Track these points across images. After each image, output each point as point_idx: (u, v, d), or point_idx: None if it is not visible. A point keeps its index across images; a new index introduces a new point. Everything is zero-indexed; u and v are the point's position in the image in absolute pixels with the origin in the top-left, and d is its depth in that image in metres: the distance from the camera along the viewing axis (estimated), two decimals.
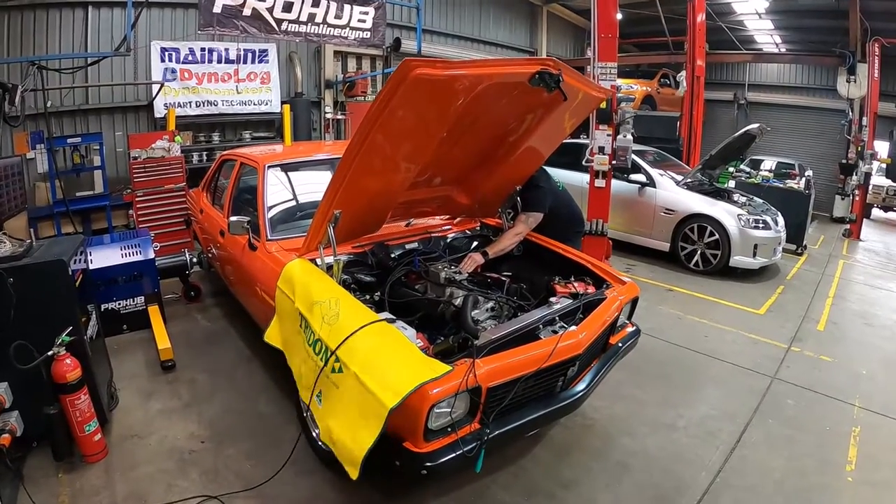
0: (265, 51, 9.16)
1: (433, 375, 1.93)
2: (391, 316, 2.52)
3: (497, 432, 2.24)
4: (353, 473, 2.02)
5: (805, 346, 4.77)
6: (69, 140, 6.52)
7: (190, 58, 8.43)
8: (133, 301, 4.56)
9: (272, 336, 2.95)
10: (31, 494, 2.56)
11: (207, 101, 8.73)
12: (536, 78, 2.33)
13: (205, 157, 8.45)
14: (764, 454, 3.17)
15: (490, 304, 2.98)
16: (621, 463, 3.02)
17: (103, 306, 4.40)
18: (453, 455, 2.08)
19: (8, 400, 2.69)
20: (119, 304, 4.50)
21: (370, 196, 2.83)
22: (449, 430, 2.13)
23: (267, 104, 9.34)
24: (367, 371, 2.05)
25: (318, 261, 2.87)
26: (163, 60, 8.17)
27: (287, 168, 4.05)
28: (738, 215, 6.49)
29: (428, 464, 2.04)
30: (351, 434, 2.06)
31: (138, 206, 6.43)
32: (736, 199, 7.07)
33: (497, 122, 2.99)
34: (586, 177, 6.36)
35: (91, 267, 4.26)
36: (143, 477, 2.78)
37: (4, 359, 2.56)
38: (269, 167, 3.86)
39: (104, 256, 4.41)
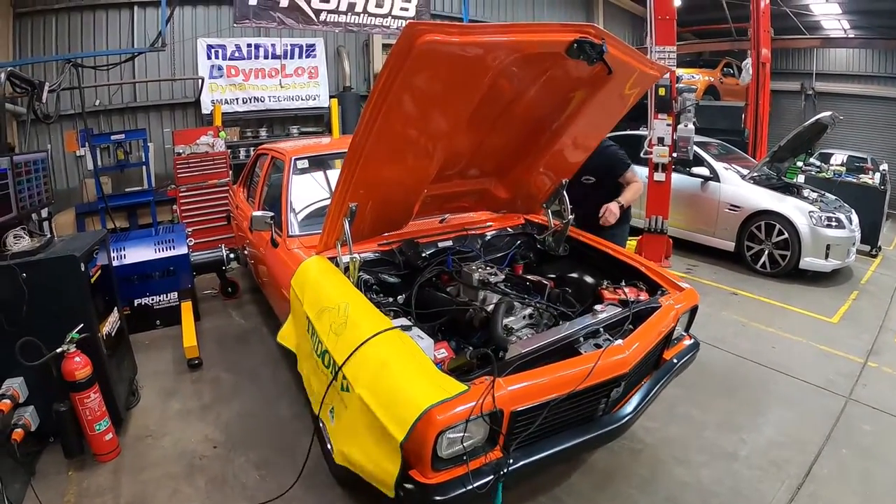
0: (313, 45, 9.08)
1: (444, 396, 1.66)
2: (407, 322, 2.24)
3: (521, 463, 1.91)
4: (390, 493, 1.83)
5: (883, 361, 4.16)
6: (112, 137, 6.61)
7: (236, 54, 8.45)
8: (167, 297, 4.51)
9: (286, 337, 2.76)
10: (41, 491, 2.51)
11: (254, 98, 8.74)
12: (575, 48, 1.98)
13: (252, 153, 8.47)
14: (835, 491, 2.70)
15: (528, 311, 2.64)
16: (670, 499, 2.62)
17: (136, 301, 4.38)
18: (465, 489, 1.77)
19: (23, 395, 2.65)
20: (152, 299, 4.46)
21: (389, 187, 2.53)
22: (464, 458, 1.82)
23: (315, 99, 9.26)
24: (374, 395, 1.82)
25: (339, 259, 2.64)
26: (209, 57, 8.22)
27: (316, 161, 3.85)
28: (810, 212, 5.84)
29: (437, 498, 1.75)
30: (374, 462, 1.85)
31: (182, 201, 6.49)
32: (806, 194, 6.39)
33: (536, 103, 2.61)
34: (645, 171, 5.88)
35: (124, 262, 4.25)
36: (150, 480, 2.69)
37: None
38: (296, 160, 3.68)
39: (138, 251, 4.38)
